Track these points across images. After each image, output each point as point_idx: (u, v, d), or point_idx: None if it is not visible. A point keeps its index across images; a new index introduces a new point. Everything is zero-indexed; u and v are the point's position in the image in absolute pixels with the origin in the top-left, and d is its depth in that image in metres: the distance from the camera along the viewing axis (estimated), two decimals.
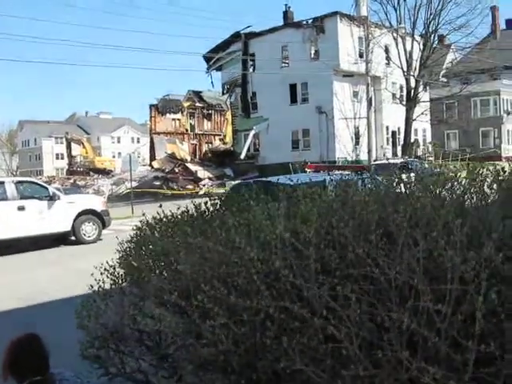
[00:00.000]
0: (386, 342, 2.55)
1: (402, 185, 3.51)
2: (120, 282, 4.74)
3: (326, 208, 3.25)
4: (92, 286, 4.70)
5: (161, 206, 4.99)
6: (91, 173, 63.00)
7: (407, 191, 3.23)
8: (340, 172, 15.22)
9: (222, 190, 30.75)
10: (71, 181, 55.99)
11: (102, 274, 4.75)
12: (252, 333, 3.05)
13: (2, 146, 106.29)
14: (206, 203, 4.95)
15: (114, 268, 4.81)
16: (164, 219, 4.92)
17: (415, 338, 2.52)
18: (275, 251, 3.06)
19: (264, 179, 10.99)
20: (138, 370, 4.38)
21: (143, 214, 5.35)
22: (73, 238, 17.77)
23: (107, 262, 4.82)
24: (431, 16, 41.48)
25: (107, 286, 4.75)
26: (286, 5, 46.14)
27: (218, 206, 5.04)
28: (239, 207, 4.29)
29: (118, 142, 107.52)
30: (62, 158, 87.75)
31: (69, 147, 73.03)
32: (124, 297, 4.60)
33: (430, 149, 46.39)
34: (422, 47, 41.72)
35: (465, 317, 2.45)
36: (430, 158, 42.72)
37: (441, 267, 2.60)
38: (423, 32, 42.28)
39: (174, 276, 3.87)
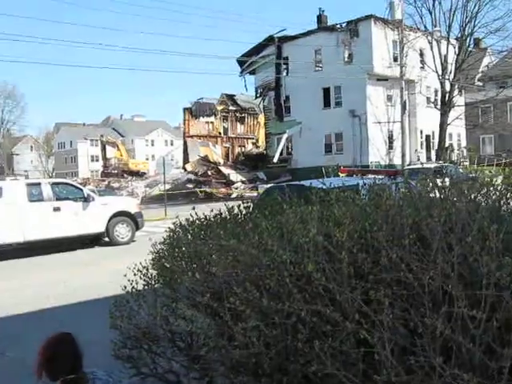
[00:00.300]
0: (419, 348, 2.52)
1: (436, 190, 3.47)
2: (153, 283, 4.79)
3: (359, 212, 3.23)
4: (125, 287, 4.74)
5: (194, 209, 5.01)
6: (125, 175, 63.70)
7: (442, 196, 3.18)
8: (374, 176, 15.07)
9: (254, 194, 30.82)
10: (106, 183, 56.67)
11: (134, 274, 4.80)
12: (283, 336, 3.05)
13: (39, 147, 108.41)
14: (238, 206, 4.97)
15: (147, 269, 4.85)
16: (197, 221, 4.94)
17: (449, 344, 2.49)
18: (307, 254, 3.05)
19: (297, 183, 10.95)
20: (169, 371, 4.40)
21: (176, 216, 5.38)
22: (106, 239, 18.00)
23: (140, 263, 4.87)
24: (467, 19, 40.95)
25: (140, 287, 4.80)
26: (319, 8, 45.96)
27: (251, 208, 5.05)
28: (272, 210, 4.29)
29: (152, 144, 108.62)
30: (97, 160, 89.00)
31: (104, 149, 73.97)
32: (157, 298, 4.64)
33: (465, 153, 45.76)
34: (457, 51, 41.21)
35: (500, 323, 2.40)
36: (465, 163, 42.13)
37: (476, 273, 2.56)
38: (459, 35, 41.75)
39: (207, 278, 3.89)
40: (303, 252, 3.10)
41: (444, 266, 2.57)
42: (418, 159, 40.11)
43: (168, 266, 4.68)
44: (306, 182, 9.00)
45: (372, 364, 2.69)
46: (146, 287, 4.79)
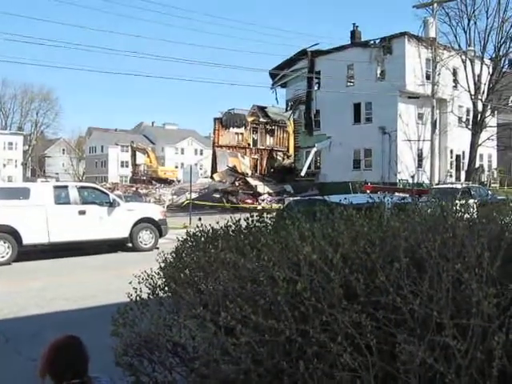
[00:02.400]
0: (402, 374, 2.46)
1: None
2: (158, 291, 4.80)
3: (358, 231, 3.19)
4: (131, 294, 4.75)
5: (200, 219, 5.02)
6: (154, 182, 64.07)
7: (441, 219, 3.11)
8: (398, 194, 14.99)
9: (277, 206, 30.73)
10: (134, 188, 57.08)
11: (139, 282, 4.82)
12: (273, 353, 3.00)
13: (71, 151, 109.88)
14: (246, 219, 4.95)
15: (152, 278, 4.87)
16: (203, 233, 4.95)
17: (436, 373, 2.41)
18: (301, 272, 3.00)
19: (318, 197, 10.92)
20: (169, 381, 4.38)
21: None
22: (130, 244, 18.07)
23: (145, 272, 4.89)
24: (502, 39, 40.56)
25: (145, 296, 4.80)
26: (353, 24, 45.98)
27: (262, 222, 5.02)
28: (278, 225, 4.27)
29: (182, 153, 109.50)
30: (127, 166, 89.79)
31: (134, 156, 74.54)
32: (161, 307, 4.64)
33: (496, 175, 45.07)
34: (491, 71, 40.75)
35: (485, 354, 2.32)
36: (495, 185, 41.50)
37: (467, 301, 2.49)
38: (493, 55, 41.34)
39: (208, 290, 3.87)
40: (298, 269, 3.06)
41: (433, 292, 2.51)
42: (448, 177, 39.72)
43: (172, 275, 4.68)
44: (335, 197, 8.84)
45: None
46: (150, 296, 4.80)
